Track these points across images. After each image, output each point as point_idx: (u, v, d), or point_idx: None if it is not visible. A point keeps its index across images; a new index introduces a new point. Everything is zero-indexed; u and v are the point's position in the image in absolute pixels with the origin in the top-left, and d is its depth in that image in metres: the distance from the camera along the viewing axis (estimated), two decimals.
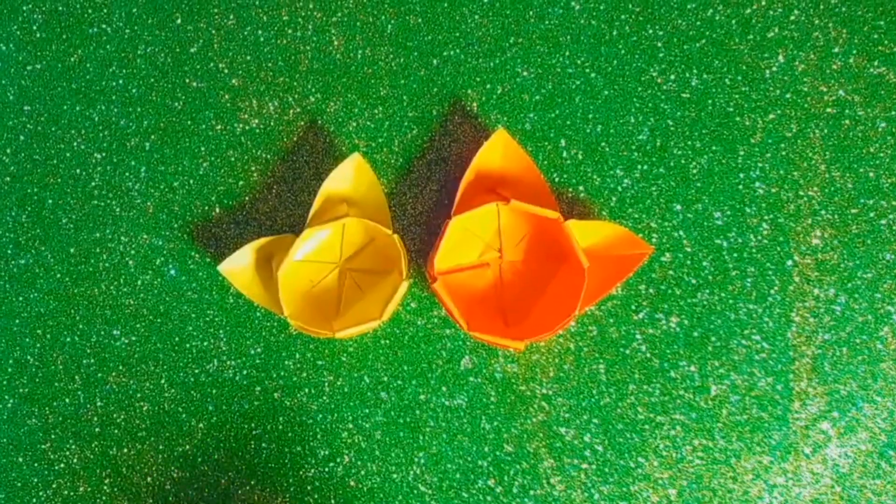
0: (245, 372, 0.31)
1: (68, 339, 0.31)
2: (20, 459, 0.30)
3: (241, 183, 0.31)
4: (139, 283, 0.31)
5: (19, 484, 0.30)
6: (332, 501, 0.29)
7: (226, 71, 0.31)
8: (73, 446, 0.30)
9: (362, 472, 0.30)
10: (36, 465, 0.30)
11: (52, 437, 0.30)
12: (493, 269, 0.31)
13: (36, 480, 0.30)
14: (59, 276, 0.31)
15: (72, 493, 0.30)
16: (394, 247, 0.29)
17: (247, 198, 0.31)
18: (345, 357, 0.31)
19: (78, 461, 0.30)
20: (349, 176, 0.30)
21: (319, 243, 0.30)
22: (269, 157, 0.31)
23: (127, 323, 0.31)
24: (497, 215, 0.30)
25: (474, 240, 0.30)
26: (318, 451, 0.30)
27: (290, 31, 0.31)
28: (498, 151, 0.29)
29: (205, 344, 0.31)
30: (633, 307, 0.31)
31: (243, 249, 0.29)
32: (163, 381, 0.31)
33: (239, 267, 0.29)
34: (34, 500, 0.30)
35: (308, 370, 0.31)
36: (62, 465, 0.30)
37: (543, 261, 0.30)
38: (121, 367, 0.31)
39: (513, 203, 0.28)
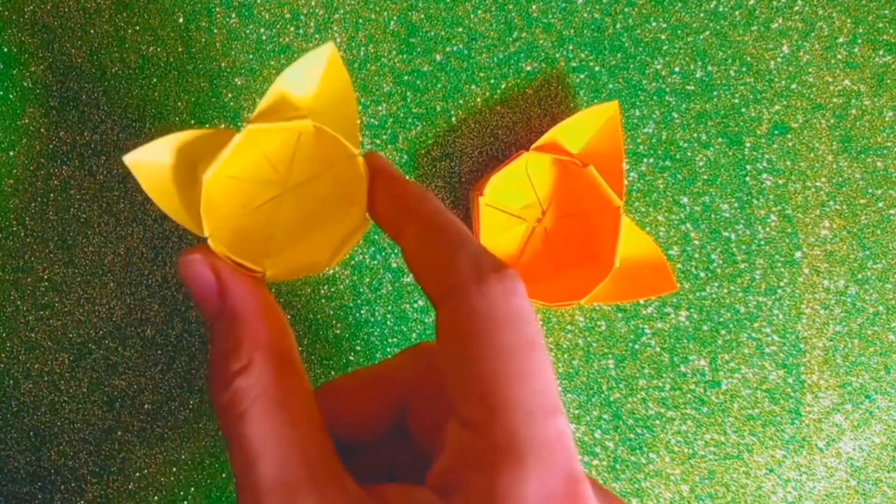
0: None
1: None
2: None
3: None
4: (144, 284, 0.30)
5: None
6: None
7: (228, 70, 0.30)
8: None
9: None
10: None
11: None
12: (525, 229, 0.30)
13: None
14: (63, 278, 0.30)
15: None
16: (357, 174, 0.22)
17: None
18: (352, 356, 0.31)
19: None
20: (316, 73, 0.23)
21: (262, 155, 0.22)
22: None
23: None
24: (525, 171, 0.29)
25: (515, 196, 0.30)
26: None
27: (292, 29, 0.31)
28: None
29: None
30: (642, 301, 0.31)
31: (158, 142, 0.21)
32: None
33: (151, 162, 0.21)
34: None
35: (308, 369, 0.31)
36: None
37: (573, 242, 0.30)
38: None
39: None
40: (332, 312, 0.31)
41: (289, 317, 0.31)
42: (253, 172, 0.23)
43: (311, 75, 0.23)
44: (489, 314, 0.18)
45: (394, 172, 0.22)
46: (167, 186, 0.22)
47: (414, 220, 0.20)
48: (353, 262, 0.31)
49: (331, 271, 0.29)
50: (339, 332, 0.31)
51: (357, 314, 0.31)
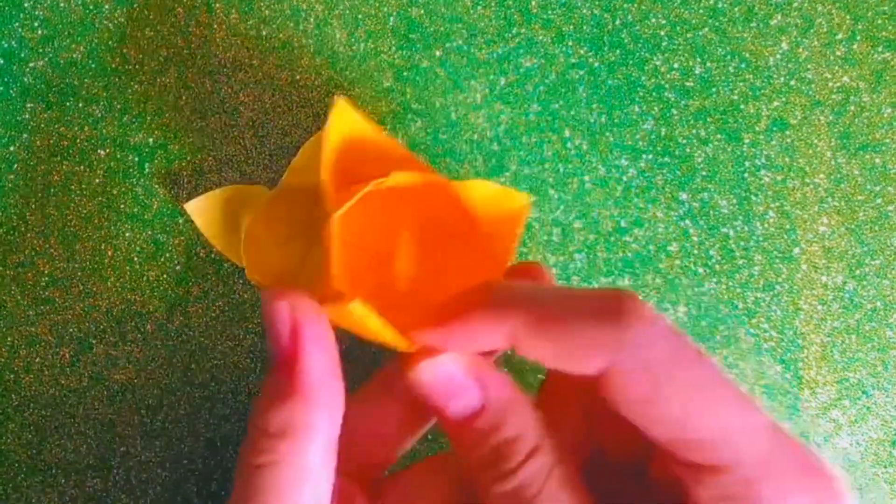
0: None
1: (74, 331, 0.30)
2: None
3: (245, 178, 0.31)
4: (145, 279, 0.30)
5: None
6: None
7: (228, 65, 0.31)
8: None
9: None
10: None
11: None
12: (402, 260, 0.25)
13: None
14: (63, 273, 0.30)
15: None
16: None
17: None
18: (350, 353, 0.31)
19: None
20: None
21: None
22: (273, 151, 0.31)
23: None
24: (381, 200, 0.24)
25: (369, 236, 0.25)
26: None
27: (291, 25, 0.31)
28: (344, 129, 0.23)
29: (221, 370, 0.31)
30: (641, 297, 0.31)
31: (211, 193, 0.27)
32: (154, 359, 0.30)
33: (206, 209, 0.26)
34: None
35: None
36: None
37: (447, 235, 0.25)
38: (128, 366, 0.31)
39: (392, 175, 0.22)
40: None
41: None
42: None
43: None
44: (658, 358, 0.17)
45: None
46: (217, 228, 0.26)
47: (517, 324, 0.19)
48: None
49: None
50: None
51: None
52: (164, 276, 0.31)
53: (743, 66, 0.31)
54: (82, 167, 0.30)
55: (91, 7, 0.30)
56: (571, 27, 0.31)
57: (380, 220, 0.23)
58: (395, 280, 0.23)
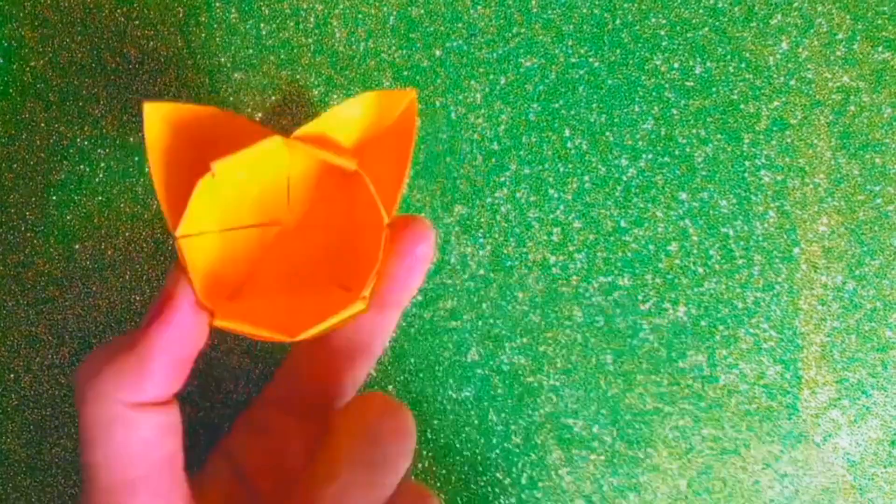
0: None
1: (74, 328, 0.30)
2: None
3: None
4: (145, 279, 0.31)
5: None
6: None
7: (228, 65, 0.31)
8: None
9: None
10: None
11: None
12: (261, 235, 0.23)
13: None
14: (63, 273, 0.31)
15: None
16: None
17: None
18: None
19: None
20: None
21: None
22: None
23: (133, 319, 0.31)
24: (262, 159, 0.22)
25: (241, 201, 0.22)
26: None
27: (291, 25, 0.31)
28: (167, 128, 0.21)
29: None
30: (640, 297, 0.31)
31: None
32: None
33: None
34: None
35: None
36: None
37: (316, 260, 0.23)
38: None
39: (215, 165, 0.20)
40: None
41: None
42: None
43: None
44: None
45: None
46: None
47: None
48: None
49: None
50: None
51: None
52: (164, 275, 0.31)
53: (743, 65, 0.31)
54: (82, 167, 0.30)
55: (91, 7, 0.30)
56: (571, 27, 0.31)
57: (247, 194, 0.22)
58: (281, 261, 0.23)
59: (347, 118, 0.22)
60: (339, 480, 0.19)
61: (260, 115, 0.31)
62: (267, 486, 0.23)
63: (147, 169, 0.31)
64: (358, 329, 0.24)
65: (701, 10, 0.31)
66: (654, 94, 0.31)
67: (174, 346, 0.20)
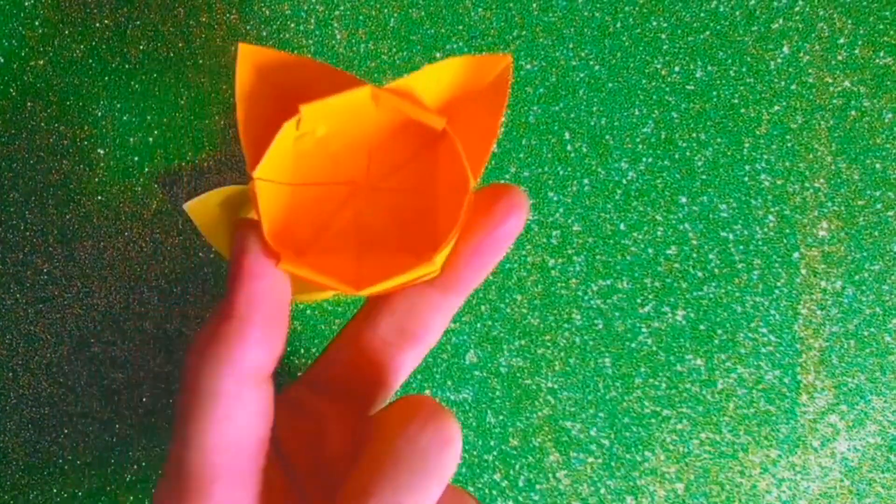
0: None
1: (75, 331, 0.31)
2: None
3: (245, 179, 0.31)
4: (144, 279, 0.31)
5: None
6: None
7: (229, 66, 0.31)
8: None
9: None
10: None
11: None
12: (357, 203, 0.22)
13: None
14: (62, 272, 0.31)
15: None
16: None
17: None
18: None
19: None
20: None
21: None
22: None
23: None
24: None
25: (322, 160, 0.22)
26: None
27: (292, 26, 0.31)
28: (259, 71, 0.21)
29: None
30: (639, 300, 0.31)
31: (209, 193, 0.25)
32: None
33: (205, 210, 0.25)
34: None
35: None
36: None
37: (391, 222, 0.22)
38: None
39: (303, 108, 0.19)
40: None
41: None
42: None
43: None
44: None
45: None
46: (217, 226, 0.25)
47: None
48: None
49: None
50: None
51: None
52: (163, 275, 0.31)
53: (744, 69, 0.31)
54: (82, 166, 0.30)
55: (91, 6, 0.30)
56: (572, 30, 0.31)
57: (326, 150, 0.22)
58: (352, 220, 0.22)
59: (437, 79, 0.21)
60: (383, 496, 0.19)
61: None
62: (304, 466, 0.22)
63: (146, 169, 0.31)
64: (413, 314, 0.22)
65: (702, 14, 0.31)
66: (654, 97, 0.31)
67: (263, 298, 0.19)
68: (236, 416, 0.19)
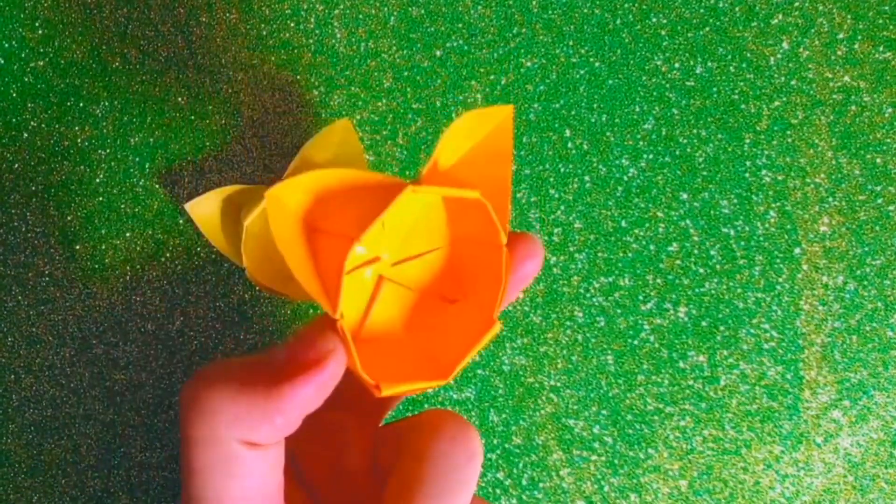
0: None
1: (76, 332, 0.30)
2: None
3: (245, 178, 0.31)
4: (145, 279, 0.30)
5: None
6: None
7: (228, 65, 0.31)
8: None
9: None
10: None
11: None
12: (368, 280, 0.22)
13: None
14: (64, 273, 0.31)
15: None
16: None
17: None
18: None
19: None
20: (333, 143, 0.27)
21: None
22: (273, 151, 0.31)
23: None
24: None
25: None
26: None
27: (292, 25, 0.31)
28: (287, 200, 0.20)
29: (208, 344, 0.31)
30: (641, 297, 0.31)
31: (210, 193, 0.28)
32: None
33: (206, 210, 0.27)
34: None
35: None
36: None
37: (432, 288, 0.22)
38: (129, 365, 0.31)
39: (363, 237, 0.19)
40: None
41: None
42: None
43: (328, 144, 0.22)
44: None
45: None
46: (217, 228, 0.26)
47: None
48: None
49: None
50: None
51: None
52: (165, 276, 0.30)
53: (744, 65, 0.31)
54: (83, 167, 0.30)
55: (91, 7, 0.30)
56: (572, 27, 0.31)
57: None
58: (387, 290, 0.22)
59: (455, 137, 0.21)
60: None
61: (260, 115, 0.31)
62: (322, 480, 0.23)
63: (147, 169, 0.31)
64: None
65: (702, 10, 0.31)
66: (654, 94, 0.31)
67: (310, 403, 0.19)
68: (259, 471, 0.19)
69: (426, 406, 0.31)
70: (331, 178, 0.20)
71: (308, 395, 0.19)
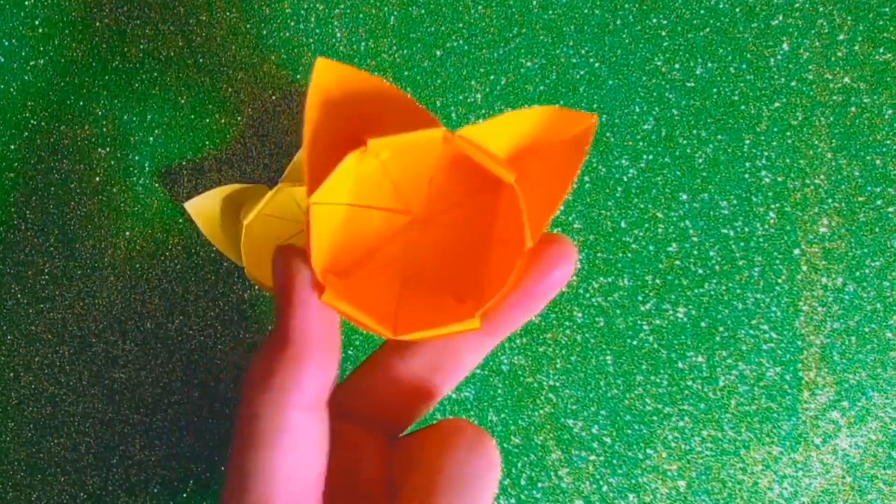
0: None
1: (77, 333, 0.30)
2: None
3: (245, 178, 0.31)
4: (145, 278, 0.31)
5: None
6: None
7: (229, 64, 0.31)
8: None
9: None
10: None
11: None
12: (410, 233, 0.22)
13: None
14: (63, 272, 0.31)
15: None
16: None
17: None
18: (351, 350, 0.31)
19: None
20: None
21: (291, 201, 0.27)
22: (273, 151, 0.31)
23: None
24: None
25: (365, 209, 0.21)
26: None
27: (292, 24, 0.31)
28: (330, 88, 0.21)
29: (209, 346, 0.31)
30: (640, 298, 0.31)
31: (210, 192, 0.28)
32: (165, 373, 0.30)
33: (205, 208, 0.28)
34: None
35: None
36: None
37: (465, 202, 0.21)
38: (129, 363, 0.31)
39: (371, 143, 0.19)
40: None
41: None
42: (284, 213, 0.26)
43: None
44: None
45: None
46: (217, 227, 0.27)
47: None
48: None
49: None
50: None
51: None
52: (164, 274, 0.31)
53: (744, 66, 0.31)
54: (83, 166, 0.30)
55: (91, 6, 0.30)
56: (572, 27, 0.31)
57: (387, 175, 0.21)
58: (401, 251, 0.22)
59: (515, 125, 0.21)
60: None
61: (260, 115, 0.31)
62: (340, 493, 0.22)
63: (147, 168, 0.31)
64: (449, 352, 0.22)
65: (702, 11, 0.31)
66: (654, 94, 0.31)
67: (316, 325, 0.20)
68: (303, 446, 0.19)
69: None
70: (384, 90, 0.20)
71: (303, 318, 0.19)
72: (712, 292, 0.31)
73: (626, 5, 0.31)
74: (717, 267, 0.31)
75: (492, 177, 0.20)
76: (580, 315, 0.31)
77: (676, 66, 0.31)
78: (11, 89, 0.30)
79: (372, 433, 0.23)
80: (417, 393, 0.22)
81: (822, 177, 0.31)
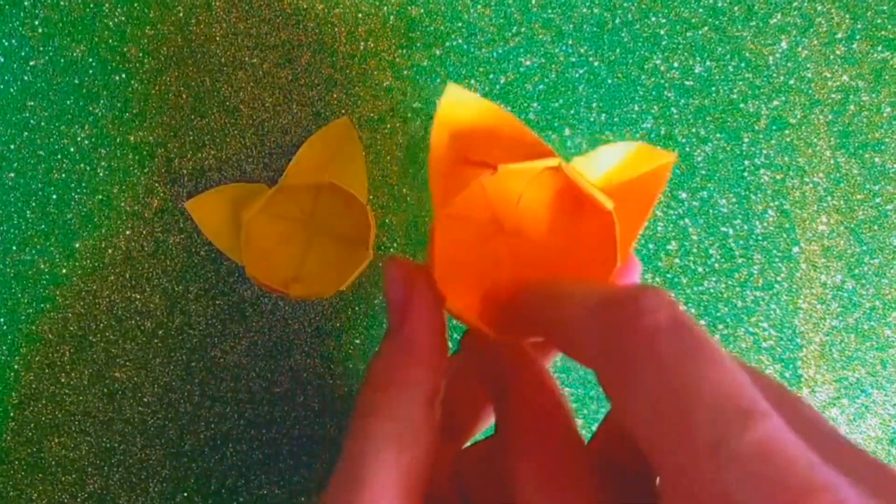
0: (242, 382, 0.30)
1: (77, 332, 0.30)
2: None
3: (245, 177, 0.31)
4: (145, 277, 0.31)
5: None
6: None
7: (228, 64, 0.31)
8: None
9: None
10: None
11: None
12: (500, 248, 0.23)
13: None
14: (64, 271, 0.31)
15: None
16: (365, 218, 0.27)
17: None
18: (350, 349, 0.31)
19: None
20: (333, 142, 0.29)
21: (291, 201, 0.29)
22: (273, 151, 0.31)
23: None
24: (482, 189, 0.23)
25: (469, 226, 0.23)
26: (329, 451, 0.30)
27: (291, 24, 0.31)
28: (457, 112, 0.23)
29: (215, 352, 0.31)
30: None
31: (210, 192, 0.29)
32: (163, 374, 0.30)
33: (206, 208, 0.29)
34: None
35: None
36: None
37: (553, 219, 0.23)
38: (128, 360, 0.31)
39: (500, 168, 0.21)
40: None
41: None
42: (285, 212, 0.28)
43: (328, 140, 0.27)
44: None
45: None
46: (218, 226, 0.28)
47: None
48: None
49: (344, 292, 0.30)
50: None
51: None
52: (164, 274, 0.31)
53: (743, 65, 0.31)
54: (83, 165, 0.30)
55: (91, 6, 0.30)
56: (571, 26, 0.31)
57: (490, 206, 0.23)
58: (510, 269, 0.23)
59: (606, 158, 0.23)
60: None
61: (260, 114, 0.31)
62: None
63: (147, 167, 0.31)
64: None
65: (700, 10, 0.31)
66: (653, 93, 0.31)
67: (432, 333, 0.21)
68: (423, 442, 0.20)
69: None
70: (499, 116, 0.22)
71: (429, 317, 0.21)
72: (712, 290, 0.31)
73: (625, 4, 0.31)
74: (716, 265, 0.31)
75: (588, 202, 0.21)
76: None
77: (675, 64, 0.31)
78: (12, 89, 0.30)
79: (447, 443, 0.24)
80: (487, 402, 0.24)
81: (820, 175, 0.31)
